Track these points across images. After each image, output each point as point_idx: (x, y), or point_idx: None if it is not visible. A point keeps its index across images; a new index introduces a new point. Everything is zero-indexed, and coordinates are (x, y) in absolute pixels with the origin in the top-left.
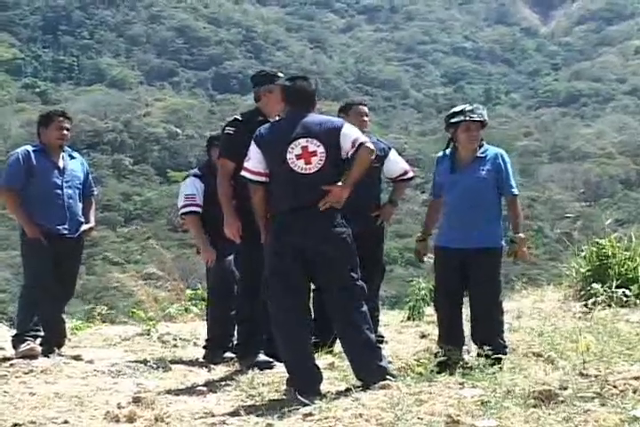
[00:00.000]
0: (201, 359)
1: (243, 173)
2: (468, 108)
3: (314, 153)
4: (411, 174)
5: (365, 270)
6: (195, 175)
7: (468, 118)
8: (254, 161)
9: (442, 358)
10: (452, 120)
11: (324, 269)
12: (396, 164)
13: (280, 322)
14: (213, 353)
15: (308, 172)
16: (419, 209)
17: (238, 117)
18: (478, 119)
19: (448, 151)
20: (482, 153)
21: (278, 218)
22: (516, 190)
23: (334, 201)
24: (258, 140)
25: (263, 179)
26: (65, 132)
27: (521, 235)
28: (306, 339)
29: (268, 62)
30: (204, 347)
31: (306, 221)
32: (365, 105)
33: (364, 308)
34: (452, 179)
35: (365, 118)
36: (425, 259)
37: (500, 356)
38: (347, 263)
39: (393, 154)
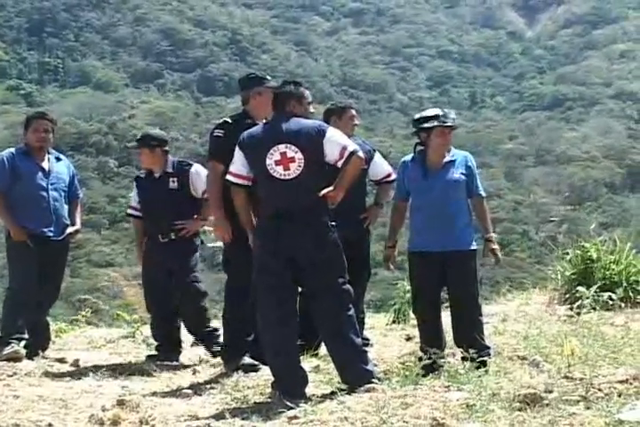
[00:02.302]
0: (186, 363)
1: (227, 176)
2: (441, 113)
3: (292, 159)
4: (394, 176)
5: (351, 273)
6: (134, 178)
7: (442, 124)
8: (237, 164)
9: (427, 362)
10: (425, 125)
11: (311, 273)
12: (380, 166)
13: (267, 324)
14: (165, 356)
15: (287, 178)
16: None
17: (228, 120)
18: (451, 124)
19: (410, 157)
20: (451, 156)
21: (266, 221)
22: (483, 192)
23: (332, 204)
24: (241, 144)
25: (245, 182)
26: (44, 134)
27: (492, 234)
28: (292, 341)
29: (253, 65)
30: (156, 349)
31: (292, 226)
32: (354, 108)
33: (351, 311)
34: (424, 184)
35: (357, 122)
36: (391, 267)
37: (484, 359)
38: (334, 268)
39: (377, 156)
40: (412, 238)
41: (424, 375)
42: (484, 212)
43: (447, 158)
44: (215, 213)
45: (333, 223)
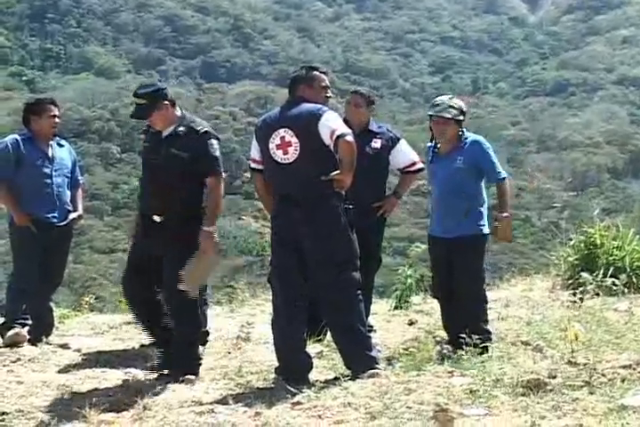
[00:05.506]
0: None
1: (249, 161)
2: (438, 101)
3: (289, 143)
4: (419, 166)
5: (361, 262)
6: None
7: (432, 113)
8: (253, 149)
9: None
10: (428, 112)
11: (314, 257)
12: (404, 154)
13: (276, 320)
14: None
15: (286, 162)
16: (405, 198)
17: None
18: (445, 116)
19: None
20: (461, 143)
21: (276, 208)
22: (502, 174)
23: (340, 188)
24: (255, 129)
25: (259, 166)
26: (57, 120)
27: (504, 214)
28: (299, 335)
29: (255, 51)
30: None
31: (298, 211)
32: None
33: (357, 300)
34: (431, 169)
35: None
36: None
37: (487, 344)
38: (337, 252)
39: (402, 144)
40: (429, 222)
41: (427, 362)
42: (501, 195)
43: (455, 146)
44: None
45: (350, 207)
